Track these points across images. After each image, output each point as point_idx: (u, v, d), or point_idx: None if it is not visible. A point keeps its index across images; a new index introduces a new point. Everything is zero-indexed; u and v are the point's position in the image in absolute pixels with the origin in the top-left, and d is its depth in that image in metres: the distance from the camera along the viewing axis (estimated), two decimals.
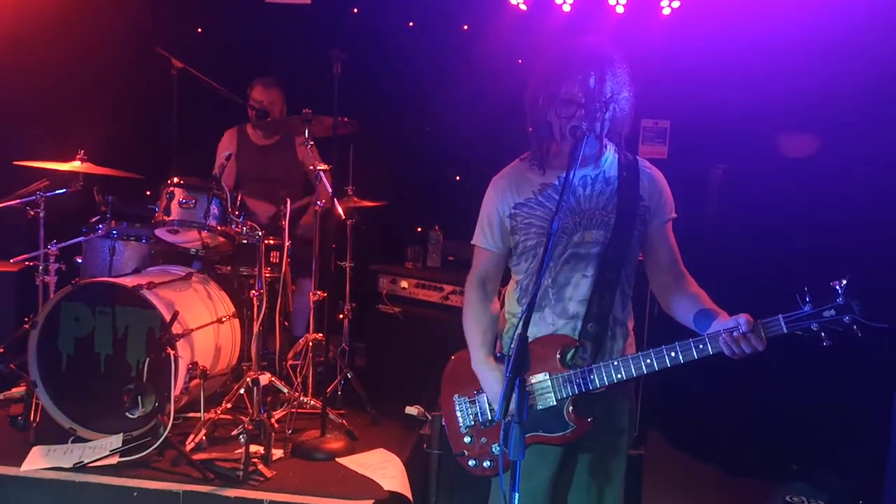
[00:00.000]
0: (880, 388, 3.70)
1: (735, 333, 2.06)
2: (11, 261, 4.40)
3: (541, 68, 2.28)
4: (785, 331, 2.04)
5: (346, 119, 3.94)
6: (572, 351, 2.28)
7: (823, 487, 4.06)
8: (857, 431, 4.14)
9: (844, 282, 2.00)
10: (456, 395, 2.46)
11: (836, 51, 4.15)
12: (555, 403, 2.27)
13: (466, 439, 2.42)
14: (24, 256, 4.34)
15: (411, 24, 5.37)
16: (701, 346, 2.12)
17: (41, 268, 4.21)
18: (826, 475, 4.15)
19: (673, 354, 2.14)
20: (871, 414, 3.89)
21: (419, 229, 5.18)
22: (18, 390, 4.04)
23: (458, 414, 2.45)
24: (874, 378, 3.93)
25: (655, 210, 2.36)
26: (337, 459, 3.58)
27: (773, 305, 2.11)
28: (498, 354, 2.46)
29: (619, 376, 2.21)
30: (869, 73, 4.12)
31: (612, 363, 2.22)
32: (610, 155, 2.38)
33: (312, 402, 3.99)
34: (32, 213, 4.25)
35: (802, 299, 2.03)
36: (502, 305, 2.50)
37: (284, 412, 3.90)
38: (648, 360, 2.17)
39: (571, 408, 2.26)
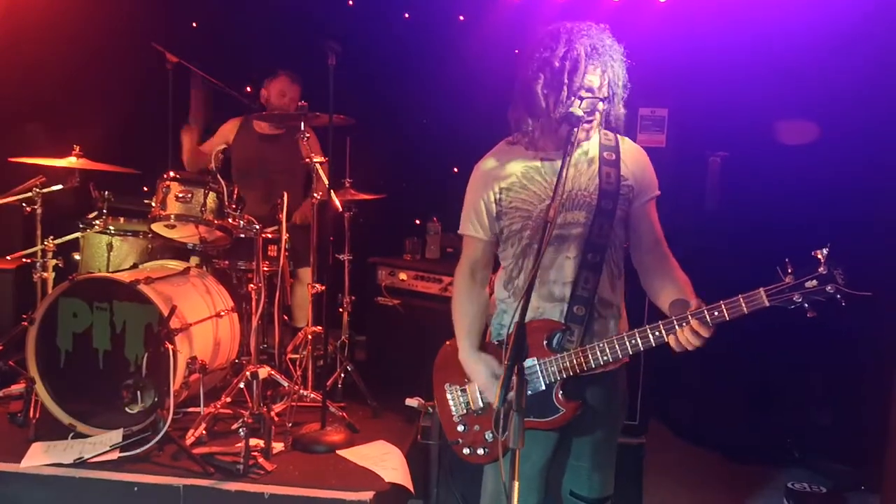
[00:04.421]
0: (882, 375, 3.70)
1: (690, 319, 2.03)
2: (8, 257, 4.41)
3: (544, 51, 2.23)
4: (767, 304, 1.99)
5: (342, 116, 3.92)
6: (558, 335, 2.26)
7: (826, 474, 4.06)
8: (859, 418, 4.14)
9: (826, 250, 1.95)
10: (447, 384, 2.46)
11: (835, 37, 4.13)
12: (543, 388, 2.26)
13: (460, 427, 2.42)
14: (21, 253, 4.33)
15: (407, 15, 5.35)
16: (685, 324, 2.06)
17: (38, 264, 4.20)
18: (828, 461, 4.15)
19: (657, 333, 2.11)
20: (873, 400, 3.89)
21: (417, 221, 5.17)
22: (17, 387, 4.03)
23: (451, 402, 2.45)
24: (876, 365, 3.92)
25: (639, 189, 2.33)
26: (337, 452, 3.58)
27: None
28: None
29: (606, 358, 2.19)
30: (868, 58, 4.11)
31: (598, 345, 2.20)
32: (592, 136, 2.35)
33: (312, 395, 3.98)
34: (29, 209, 4.24)
35: (783, 270, 1.98)
36: (491, 292, 2.48)
37: (284, 405, 3.89)
38: (633, 340, 2.15)
39: (560, 392, 2.25)
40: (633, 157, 2.35)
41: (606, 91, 2.23)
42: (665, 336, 2.09)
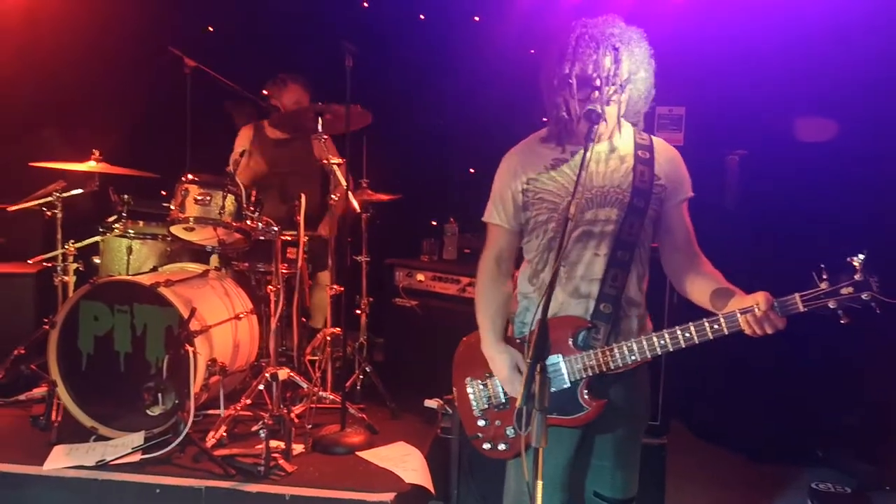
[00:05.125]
0: None
1: (757, 313, 2.02)
2: (30, 261, 4.42)
3: (556, 48, 2.25)
4: (802, 309, 2.00)
5: (359, 107, 3.91)
6: (584, 332, 2.25)
7: (850, 473, 4.02)
8: (883, 416, 4.09)
9: (862, 257, 1.95)
10: (468, 378, 2.44)
11: (855, 32, 4.09)
12: (568, 385, 2.25)
13: (481, 422, 2.41)
14: (42, 257, 4.35)
15: (422, 16, 5.35)
16: (716, 326, 2.08)
17: (59, 268, 4.22)
18: (852, 461, 4.10)
19: (687, 335, 2.11)
20: None
21: (434, 223, 5.17)
22: (40, 390, 4.06)
23: (472, 397, 2.43)
24: None
25: (672, 190, 2.32)
26: (357, 453, 3.58)
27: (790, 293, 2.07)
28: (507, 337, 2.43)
29: (634, 358, 2.18)
30: (886, 53, 4.06)
31: (626, 344, 2.19)
32: (625, 132, 2.35)
33: (332, 397, 3.98)
34: (49, 213, 4.25)
35: (819, 276, 1.99)
36: (514, 287, 2.47)
37: (304, 407, 3.89)
38: (662, 341, 2.15)
39: (586, 390, 2.24)
40: (666, 157, 2.34)
41: (612, 80, 2.20)
42: (696, 338, 2.09)
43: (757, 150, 4.61)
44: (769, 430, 4.36)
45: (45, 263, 4.36)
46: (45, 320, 3.85)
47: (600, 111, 2.17)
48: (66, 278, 4.22)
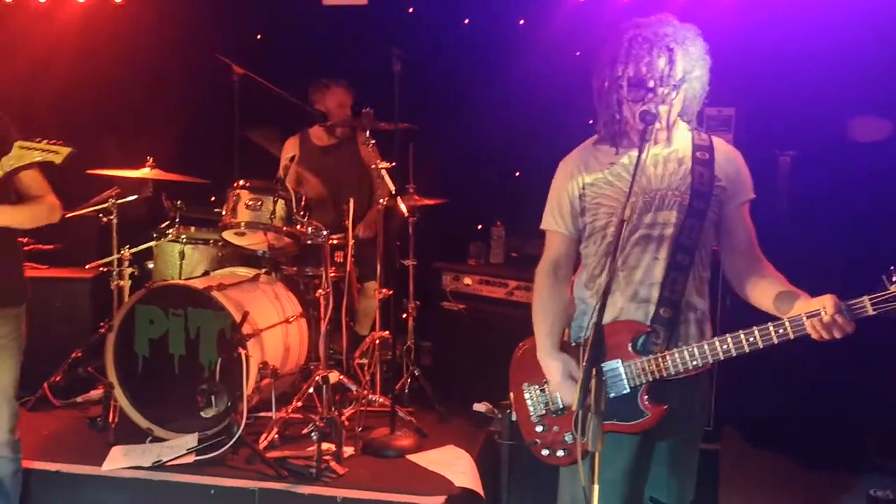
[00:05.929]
0: None
1: (825, 318, 1.98)
2: (87, 267, 4.53)
3: (608, 50, 2.24)
4: (871, 312, 1.95)
5: (405, 125, 3.96)
6: (643, 337, 2.22)
7: None
8: None
9: None
10: (525, 384, 2.43)
11: None
12: (628, 391, 2.22)
13: (538, 428, 2.39)
14: (99, 262, 4.45)
15: (467, 21, 5.36)
16: (781, 330, 2.04)
17: (115, 273, 4.31)
18: None
19: (752, 339, 2.07)
20: None
21: (480, 226, 5.17)
22: (97, 392, 4.15)
23: (529, 402, 2.41)
24: None
25: (732, 191, 2.28)
26: (407, 456, 3.60)
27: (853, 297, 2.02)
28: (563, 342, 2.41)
29: (695, 363, 2.15)
30: None
31: (687, 349, 2.15)
32: (683, 133, 2.32)
33: (381, 400, 4.01)
34: (105, 220, 4.35)
35: (888, 279, 1.93)
36: (571, 292, 2.45)
37: (353, 410, 3.92)
38: (725, 346, 2.10)
39: (646, 396, 2.21)
40: (727, 158, 2.31)
41: (666, 82, 2.18)
42: (760, 342, 2.05)
43: (809, 151, 4.52)
44: (825, 434, 4.27)
45: (101, 268, 4.46)
46: (102, 324, 3.94)
47: (655, 112, 2.16)
48: (121, 283, 4.31)
